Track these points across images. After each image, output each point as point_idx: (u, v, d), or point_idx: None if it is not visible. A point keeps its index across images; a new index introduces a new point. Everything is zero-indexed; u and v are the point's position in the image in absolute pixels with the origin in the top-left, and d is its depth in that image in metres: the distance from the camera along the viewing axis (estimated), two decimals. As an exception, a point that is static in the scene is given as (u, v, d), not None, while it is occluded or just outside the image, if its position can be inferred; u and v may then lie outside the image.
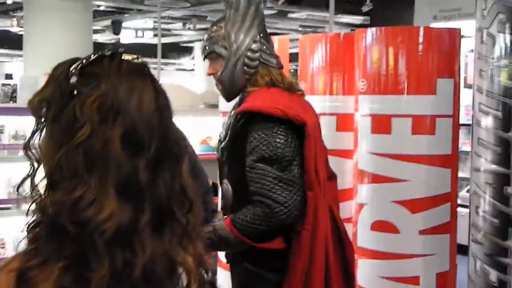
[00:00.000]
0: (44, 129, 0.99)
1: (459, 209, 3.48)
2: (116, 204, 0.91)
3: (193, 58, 17.58)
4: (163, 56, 12.71)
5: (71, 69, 1.00)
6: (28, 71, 9.05)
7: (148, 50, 16.47)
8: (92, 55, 1.02)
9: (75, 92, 0.97)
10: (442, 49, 3.30)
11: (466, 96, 3.90)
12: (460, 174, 3.57)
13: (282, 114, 2.16)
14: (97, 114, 0.94)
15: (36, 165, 0.98)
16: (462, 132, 4.59)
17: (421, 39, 3.30)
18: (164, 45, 11.64)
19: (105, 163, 0.93)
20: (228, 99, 2.41)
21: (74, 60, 1.03)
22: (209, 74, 2.40)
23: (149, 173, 0.94)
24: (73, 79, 0.99)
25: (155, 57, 8.95)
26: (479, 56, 3.03)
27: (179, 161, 1.00)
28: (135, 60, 1.02)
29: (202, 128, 5.29)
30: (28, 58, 9.29)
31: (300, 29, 12.29)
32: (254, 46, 2.28)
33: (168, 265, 0.95)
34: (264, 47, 2.31)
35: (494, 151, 2.95)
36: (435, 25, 6.87)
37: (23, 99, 5.34)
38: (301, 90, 2.44)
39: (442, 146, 3.31)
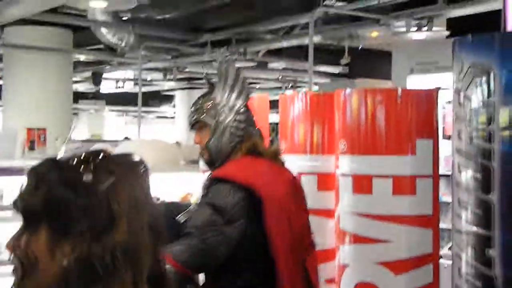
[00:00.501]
0: (37, 229, 0.97)
1: (442, 260, 3.48)
2: None
3: (173, 106, 17.64)
4: (144, 104, 12.73)
5: (81, 166, 0.99)
6: (7, 123, 8.99)
7: (129, 98, 16.52)
8: (95, 153, 1.03)
9: (92, 190, 0.98)
10: (420, 110, 3.34)
11: (444, 147, 3.92)
12: (441, 225, 3.56)
13: (242, 181, 2.23)
14: (129, 209, 0.98)
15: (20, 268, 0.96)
16: (442, 183, 4.61)
17: (399, 100, 3.34)
18: (145, 93, 11.67)
19: (139, 256, 0.96)
20: (213, 167, 2.44)
21: (55, 161, 1.02)
22: (195, 143, 2.48)
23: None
24: (88, 177, 0.98)
25: (136, 105, 8.97)
26: (457, 118, 3.06)
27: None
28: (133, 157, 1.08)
29: (183, 185, 5.25)
30: (7, 110, 9.24)
31: (280, 78, 12.41)
32: (239, 117, 2.39)
33: None
34: (248, 118, 2.43)
35: (475, 212, 2.95)
36: (412, 77, 6.97)
37: (0, 154, 5.29)
38: (282, 160, 2.49)
39: (422, 206, 3.31)
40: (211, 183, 2.30)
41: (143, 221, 0.99)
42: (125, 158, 1.06)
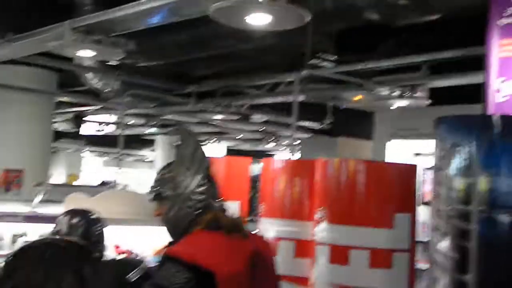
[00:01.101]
0: None
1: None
2: None
3: (153, 150, 17.59)
4: (125, 147, 12.68)
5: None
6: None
7: (109, 140, 16.47)
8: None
9: None
10: (400, 184, 3.36)
11: (421, 212, 3.92)
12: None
13: (191, 261, 2.18)
14: None
15: None
16: (417, 250, 4.62)
17: (381, 173, 3.36)
18: (125, 136, 11.65)
19: None
20: (173, 238, 2.42)
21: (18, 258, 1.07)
22: (155, 215, 2.45)
23: None
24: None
25: (116, 147, 8.94)
26: (436, 196, 3.08)
27: None
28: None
29: (157, 238, 5.19)
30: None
31: (261, 130, 12.48)
32: (199, 189, 2.37)
33: None
34: (209, 190, 2.40)
35: (450, 292, 2.94)
36: (393, 141, 7.05)
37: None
38: (243, 232, 2.42)
39: (398, 280, 3.30)
40: (163, 260, 2.26)
41: None
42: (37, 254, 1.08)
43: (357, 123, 9.79)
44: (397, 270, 3.28)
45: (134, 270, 2.75)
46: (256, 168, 5.72)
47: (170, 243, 2.38)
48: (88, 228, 2.74)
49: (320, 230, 3.45)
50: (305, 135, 11.69)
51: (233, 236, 2.37)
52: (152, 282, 2.20)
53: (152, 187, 2.45)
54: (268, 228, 3.82)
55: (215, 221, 2.36)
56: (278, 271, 3.67)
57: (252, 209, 5.94)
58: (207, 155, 2.49)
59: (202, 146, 2.48)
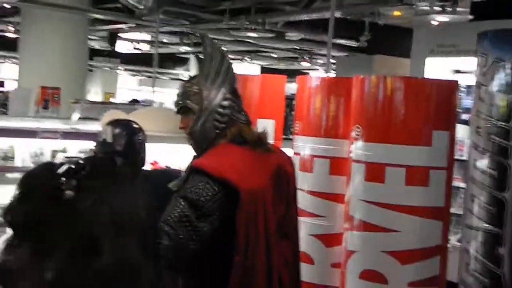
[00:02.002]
0: (20, 243, 0.93)
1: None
2: None
3: (187, 69, 17.56)
4: (159, 65, 12.65)
5: (63, 183, 0.94)
6: (22, 80, 9.00)
7: (144, 59, 16.44)
8: (79, 166, 0.97)
9: (75, 208, 0.93)
10: (440, 101, 3.29)
11: (458, 131, 3.85)
12: (451, 210, 3.52)
13: (218, 175, 2.20)
14: (113, 229, 0.92)
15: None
16: (455, 168, 4.58)
17: (419, 89, 3.29)
18: (160, 54, 11.59)
19: (132, 278, 0.93)
20: (197, 152, 2.43)
21: (49, 170, 0.97)
22: (180, 128, 2.45)
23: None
24: (69, 194, 0.94)
25: (150, 66, 8.93)
26: (477, 114, 3.02)
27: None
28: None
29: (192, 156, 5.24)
30: (23, 67, 9.23)
31: (296, 49, 12.30)
32: (224, 102, 2.36)
33: None
34: (234, 104, 2.39)
35: (488, 210, 2.93)
36: (431, 59, 6.88)
37: (15, 111, 5.30)
38: (267, 146, 2.44)
39: (435, 198, 3.28)
40: (190, 173, 2.27)
41: (130, 240, 0.93)
42: (109, 169, 1.00)
43: (395, 41, 9.55)
44: (434, 187, 3.26)
45: (174, 180, 2.81)
46: (291, 87, 5.66)
47: (195, 157, 2.40)
48: (130, 137, 2.80)
49: (356, 148, 3.43)
50: (341, 54, 11.50)
51: (258, 150, 2.38)
52: (180, 195, 2.22)
53: (177, 100, 2.44)
54: (303, 146, 3.82)
55: (240, 135, 2.36)
56: (313, 188, 3.72)
57: (287, 128, 5.93)
58: (232, 68, 2.46)
59: (228, 59, 2.45)
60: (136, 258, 0.93)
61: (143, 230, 0.97)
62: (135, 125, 2.90)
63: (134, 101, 12.50)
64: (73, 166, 0.97)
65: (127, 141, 2.78)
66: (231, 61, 2.48)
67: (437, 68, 6.78)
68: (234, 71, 2.47)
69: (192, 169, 2.27)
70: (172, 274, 2.48)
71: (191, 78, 2.50)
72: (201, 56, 2.46)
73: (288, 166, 2.52)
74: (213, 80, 2.37)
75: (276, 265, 2.30)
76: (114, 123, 2.88)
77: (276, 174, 2.39)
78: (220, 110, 2.35)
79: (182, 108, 2.42)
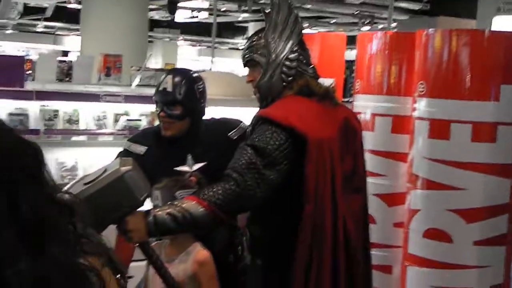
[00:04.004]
0: None
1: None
2: None
3: (246, 38, 17.54)
4: (218, 35, 12.70)
5: None
6: (85, 50, 9.16)
7: (203, 28, 16.50)
8: None
9: None
10: (507, 54, 3.16)
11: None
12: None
13: (286, 123, 2.19)
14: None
15: None
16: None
17: (486, 43, 3.16)
18: (219, 24, 11.60)
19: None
20: (262, 105, 2.42)
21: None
22: (248, 81, 2.46)
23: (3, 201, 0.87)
24: None
25: (210, 36, 8.92)
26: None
27: (35, 176, 0.92)
28: None
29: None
30: (85, 36, 9.40)
31: (357, 13, 12.07)
32: (292, 55, 2.35)
33: (73, 274, 0.90)
34: (301, 56, 2.38)
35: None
36: (498, 18, 6.62)
37: (78, 79, 5.40)
38: (335, 99, 2.42)
39: (502, 155, 3.18)
40: (256, 122, 2.27)
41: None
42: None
43: (459, 1, 9.24)
44: (501, 144, 3.15)
45: (235, 129, 2.82)
46: (352, 54, 5.56)
47: (260, 109, 2.39)
48: (191, 85, 2.75)
49: (420, 105, 3.34)
50: (403, 17, 11.22)
51: (325, 103, 2.36)
52: (248, 143, 2.22)
53: (244, 53, 2.45)
54: (365, 104, 3.75)
55: (307, 87, 2.35)
56: (375, 147, 3.65)
57: (346, 90, 5.84)
58: (300, 20, 2.42)
59: (295, 12, 2.41)
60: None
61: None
62: (194, 74, 2.87)
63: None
64: None
65: (187, 89, 2.73)
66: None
67: (505, 27, 6.52)
68: (301, 23, 2.44)
69: (259, 118, 2.27)
70: (234, 226, 2.50)
71: (259, 31, 2.48)
72: (268, 9, 2.43)
73: (355, 121, 2.49)
74: (280, 33, 2.36)
75: (341, 214, 2.28)
76: (174, 71, 2.85)
77: (344, 127, 2.38)
78: (287, 63, 2.34)
79: (249, 62, 2.43)
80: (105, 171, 2.05)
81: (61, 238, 0.91)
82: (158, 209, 2.13)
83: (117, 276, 1.00)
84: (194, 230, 2.31)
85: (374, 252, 3.48)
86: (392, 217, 3.60)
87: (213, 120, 2.91)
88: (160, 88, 2.75)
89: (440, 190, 3.22)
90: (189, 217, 2.10)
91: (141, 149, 2.75)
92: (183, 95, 2.70)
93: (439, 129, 3.22)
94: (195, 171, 2.52)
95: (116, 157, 2.76)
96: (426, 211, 3.29)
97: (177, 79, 2.73)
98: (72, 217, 0.96)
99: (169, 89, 2.71)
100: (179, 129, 2.71)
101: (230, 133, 2.81)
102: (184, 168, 2.56)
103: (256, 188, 2.14)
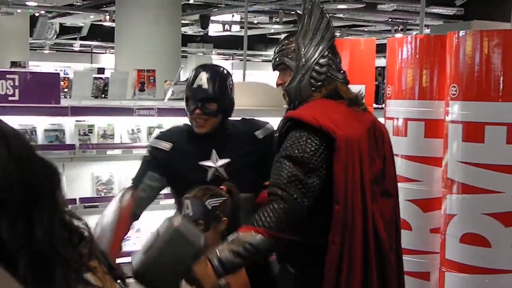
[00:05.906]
0: None
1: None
2: None
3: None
4: (250, 48, 12.75)
5: None
6: (119, 66, 9.31)
7: (235, 41, 16.62)
8: None
9: None
10: (542, 54, 3.09)
11: None
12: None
13: (317, 124, 2.19)
14: None
15: None
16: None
17: (519, 43, 3.10)
18: (251, 36, 11.66)
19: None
20: (291, 108, 2.43)
21: None
22: (277, 85, 2.46)
23: (19, 225, 0.87)
24: None
25: (242, 49, 8.98)
26: None
27: (53, 198, 0.93)
28: None
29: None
30: (119, 53, 9.55)
31: (389, 21, 12.00)
32: (322, 60, 2.35)
33: None
34: (331, 61, 2.37)
35: None
36: (534, 19, 6.48)
37: (113, 95, 5.47)
38: (363, 105, 2.43)
39: (539, 156, 3.10)
40: (285, 124, 2.27)
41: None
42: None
43: (494, 4, 9.11)
44: (538, 145, 3.08)
45: (260, 128, 2.82)
46: (383, 62, 5.52)
47: (287, 111, 2.39)
48: (224, 82, 2.72)
49: (453, 109, 3.29)
50: (436, 23, 11.11)
51: (354, 107, 2.35)
52: (283, 155, 2.21)
53: (275, 57, 2.45)
54: (397, 110, 3.71)
55: (336, 91, 2.35)
56: (408, 152, 3.61)
57: (379, 96, 5.79)
58: (331, 25, 2.41)
59: (327, 16, 2.41)
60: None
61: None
62: (225, 70, 2.84)
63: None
64: None
65: (221, 85, 2.70)
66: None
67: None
68: (332, 28, 2.44)
69: (287, 120, 2.27)
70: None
71: (290, 35, 2.48)
72: (299, 12, 2.43)
73: (382, 126, 2.48)
74: (311, 37, 2.36)
75: (371, 215, 2.26)
76: (206, 67, 2.77)
77: (372, 129, 2.36)
78: (317, 67, 2.34)
79: (279, 65, 2.43)
80: (157, 233, 2.11)
81: (66, 266, 0.92)
82: (218, 251, 2.13)
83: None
84: (258, 257, 2.30)
85: (411, 258, 3.45)
86: (428, 223, 3.55)
87: (240, 120, 2.91)
88: (195, 85, 2.68)
89: (476, 194, 3.16)
90: (251, 248, 2.12)
91: (166, 145, 2.75)
92: (218, 91, 2.67)
93: (473, 132, 3.17)
94: (220, 166, 2.53)
95: (144, 157, 2.81)
96: (462, 216, 3.23)
97: (211, 75, 2.69)
98: (80, 243, 0.97)
99: (205, 86, 2.66)
100: (212, 125, 2.69)
101: (256, 132, 2.81)
102: (208, 163, 2.56)
103: (303, 198, 2.15)
